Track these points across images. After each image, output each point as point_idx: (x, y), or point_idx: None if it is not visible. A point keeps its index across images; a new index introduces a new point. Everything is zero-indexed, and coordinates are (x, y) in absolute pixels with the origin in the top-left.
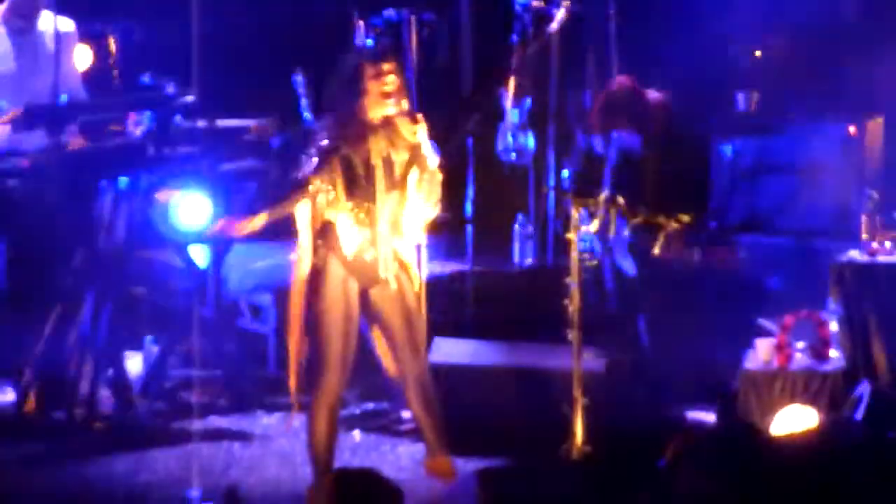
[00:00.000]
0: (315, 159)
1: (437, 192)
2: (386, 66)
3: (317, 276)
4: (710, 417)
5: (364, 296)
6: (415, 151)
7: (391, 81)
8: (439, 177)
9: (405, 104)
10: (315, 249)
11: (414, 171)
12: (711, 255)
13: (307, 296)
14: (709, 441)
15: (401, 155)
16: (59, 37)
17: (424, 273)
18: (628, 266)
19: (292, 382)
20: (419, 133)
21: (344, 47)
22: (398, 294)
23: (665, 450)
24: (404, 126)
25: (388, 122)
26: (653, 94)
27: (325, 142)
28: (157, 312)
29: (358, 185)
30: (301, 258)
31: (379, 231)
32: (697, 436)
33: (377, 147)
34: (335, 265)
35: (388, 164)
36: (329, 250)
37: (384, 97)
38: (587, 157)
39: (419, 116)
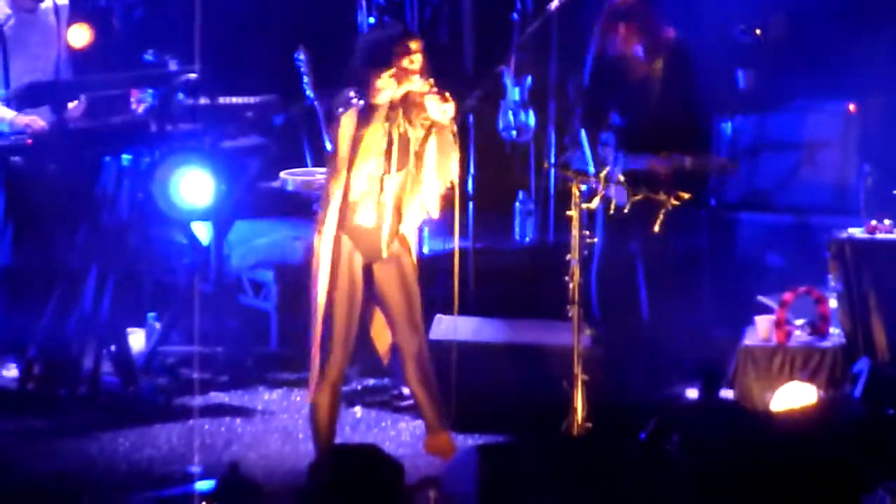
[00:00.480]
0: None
1: (452, 168)
2: (414, 45)
3: (324, 251)
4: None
5: (367, 272)
6: (434, 128)
7: (417, 59)
8: (457, 154)
9: (428, 82)
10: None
11: (430, 147)
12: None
13: (312, 270)
14: (690, 416)
15: (417, 131)
16: (57, 10)
17: (426, 249)
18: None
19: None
20: (448, 111)
21: (347, 25)
22: (399, 272)
23: (647, 424)
24: (430, 103)
25: (407, 99)
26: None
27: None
28: (160, 289)
29: (372, 157)
30: (325, 233)
31: (385, 204)
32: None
33: (396, 122)
34: (343, 240)
35: (404, 139)
36: (336, 224)
37: (409, 74)
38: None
39: (448, 95)
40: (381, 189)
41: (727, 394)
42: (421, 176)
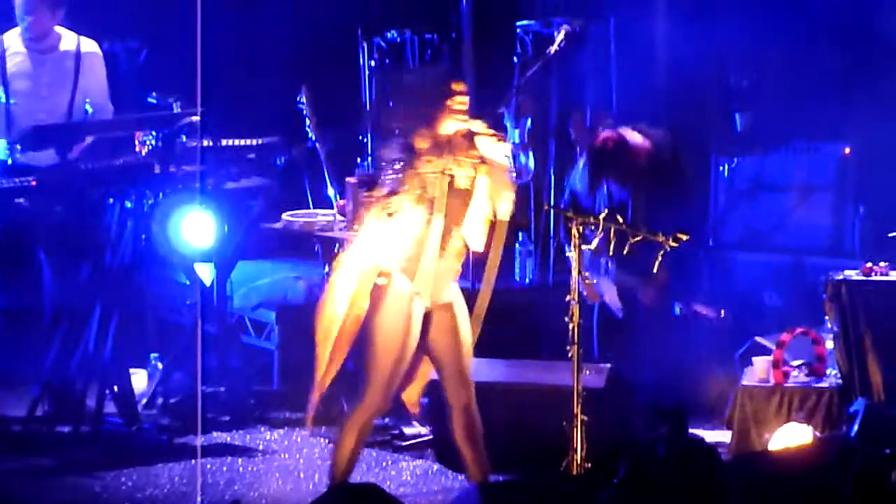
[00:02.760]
0: (392, 174)
1: (505, 206)
2: (459, 86)
3: (378, 292)
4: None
5: (426, 321)
6: (487, 166)
7: (463, 101)
8: (511, 192)
9: (482, 122)
10: (374, 264)
11: (481, 186)
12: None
13: (368, 311)
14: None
15: (465, 169)
16: (79, 57)
17: None
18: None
19: (316, 396)
20: (504, 150)
21: (348, 67)
22: (453, 320)
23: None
24: (485, 142)
25: (454, 139)
26: (638, 141)
27: (396, 155)
28: (163, 329)
29: (423, 198)
30: (343, 270)
31: (436, 245)
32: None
33: (443, 162)
34: (400, 282)
35: (452, 178)
36: (392, 265)
37: (455, 114)
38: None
39: (501, 136)
40: (431, 227)
41: (724, 434)
42: (467, 213)
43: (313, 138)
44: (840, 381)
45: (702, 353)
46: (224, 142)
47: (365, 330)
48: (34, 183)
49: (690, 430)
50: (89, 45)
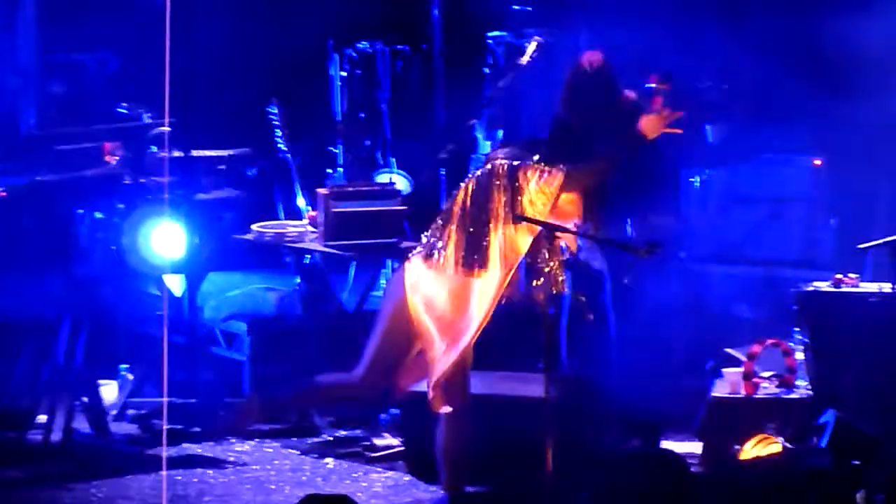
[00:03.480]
0: None
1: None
2: None
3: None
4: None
5: None
6: None
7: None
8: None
9: None
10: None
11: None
12: None
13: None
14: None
15: None
16: None
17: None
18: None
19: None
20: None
21: (319, 78)
22: None
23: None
24: None
25: None
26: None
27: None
28: (133, 340)
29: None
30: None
31: None
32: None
33: None
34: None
35: None
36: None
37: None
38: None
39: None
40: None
41: (695, 446)
42: None
43: (284, 149)
44: (810, 392)
45: (673, 364)
46: (195, 153)
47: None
48: (3, 194)
49: (661, 443)
50: None
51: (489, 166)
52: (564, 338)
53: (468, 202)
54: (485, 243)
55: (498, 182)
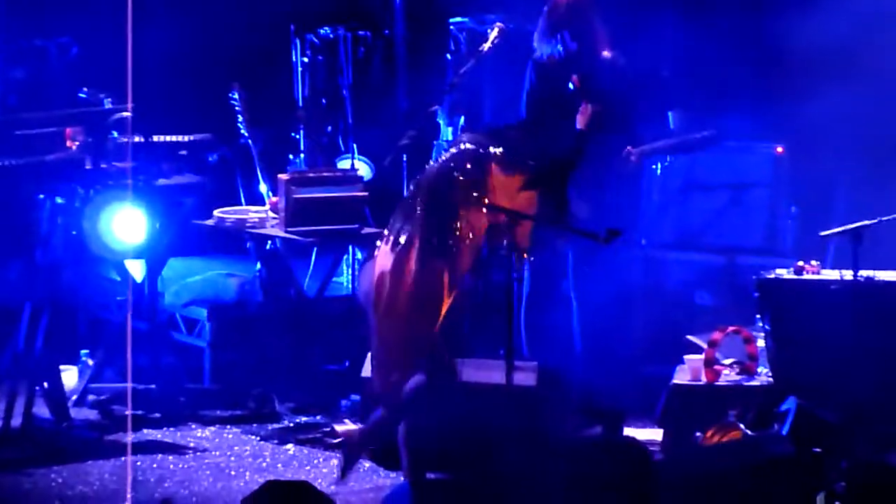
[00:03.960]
0: None
1: None
2: None
3: None
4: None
5: None
6: None
7: None
8: None
9: None
10: None
11: None
12: None
13: None
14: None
15: None
16: None
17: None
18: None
19: None
20: None
21: (280, 63)
22: None
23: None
24: None
25: None
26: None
27: None
28: (93, 326)
29: None
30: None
31: None
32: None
33: None
34: None
35: None
36: None
37: None
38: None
39: None
40: None
41: (656, 433)
42: None
43: (245, 135)
44: (771, 379)
45: (634, 351)
46: (156, 138)
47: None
48: None
49: (623, 430)
50: None
51: (453, 152)
52: (524, 325)
53: (432, 188)
54: (449, 229)
55: (463, 169)
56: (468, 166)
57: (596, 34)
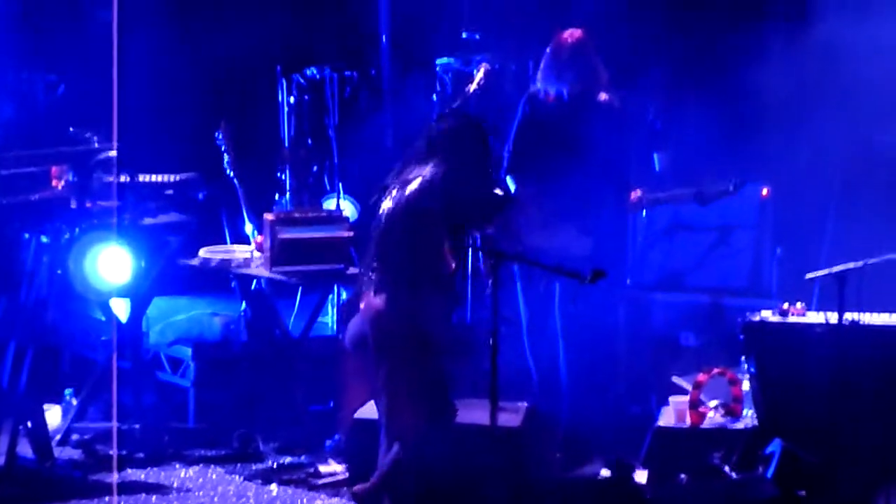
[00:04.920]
0: None
1: None
2: None
3: None
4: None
5: None
6: None
7: None
8: None
9: None
10: None
11: None
12: None
13: None
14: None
15: None
16: None
17: None
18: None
19: None
20: None
21: (267, 103)
22: None
23: None
24: None
25: None
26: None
27: None
28: (77, 364)
29: None
30: None
31: None
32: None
33: None
34: None
35: None
36: None
37: None
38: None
39: None
40: None
41: (641, 475)
42: None
43: (231, 174)
44: (756, 421)
45: (619, 391)
46: (141, 177)
47: None
48: None
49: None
50: None
51: (415, 186)
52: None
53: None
54: (426, 264)
55: (430, 206)
56: (436, 204)
57: (598, 77)
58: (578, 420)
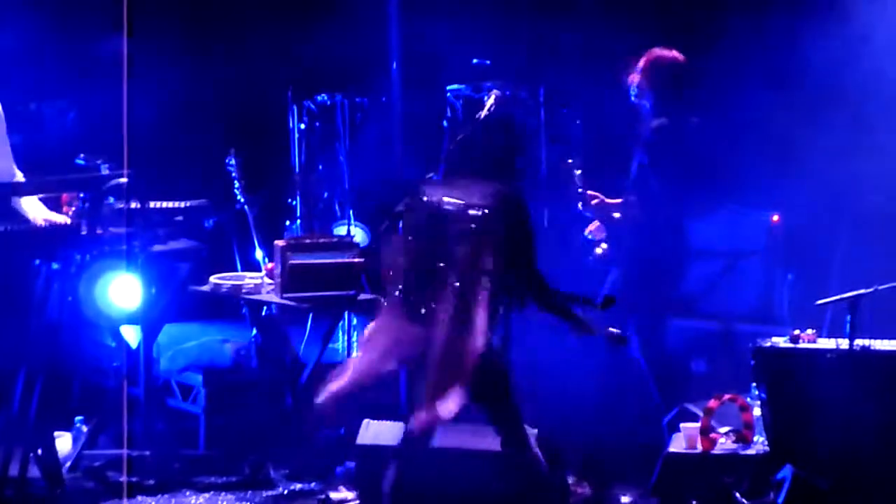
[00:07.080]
0: None
1: None
2: None
3: None
4: None
5: None
6: None
7: None
8: None
9: None
10: None
11: None
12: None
13: None
14: None
15: None
16: None
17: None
18: None
19: None
20: None
21: (277, 129)
22: None
23: None
24: None
25: None
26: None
27: None
28: (88, 392)
29: None
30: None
31: None
32: None
33: None
34: None
35: None
36: None
37: None
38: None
39: None
40: None
41: (651, 503)
42: None
43: (242, 201)
44: (767, 448)
45: (630, 420)
46: (152, 204)
47: None
48: None
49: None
50: None
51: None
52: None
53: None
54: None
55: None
56: (464, 232)
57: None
58: (587, 446)
